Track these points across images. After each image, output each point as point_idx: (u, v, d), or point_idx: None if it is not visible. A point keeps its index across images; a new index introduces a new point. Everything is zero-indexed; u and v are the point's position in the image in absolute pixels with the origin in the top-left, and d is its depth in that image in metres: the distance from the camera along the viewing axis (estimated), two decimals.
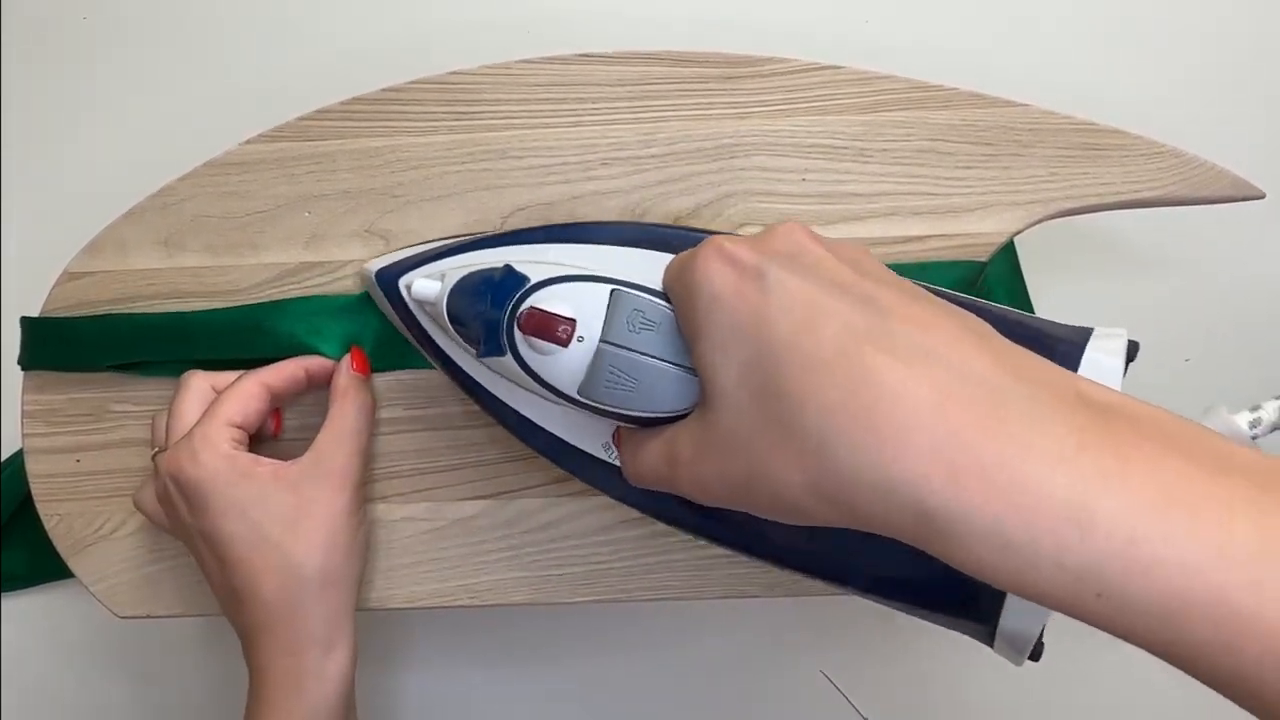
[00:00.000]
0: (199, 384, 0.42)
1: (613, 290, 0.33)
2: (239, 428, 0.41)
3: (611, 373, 0.32)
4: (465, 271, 0.36)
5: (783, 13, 0.53)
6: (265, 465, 0.40)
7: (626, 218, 0.43)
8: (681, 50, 0.43)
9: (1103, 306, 0.53)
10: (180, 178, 0.45)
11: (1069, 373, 0.25)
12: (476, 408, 0.44)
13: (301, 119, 0.44)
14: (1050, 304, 0.52)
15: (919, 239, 0.43)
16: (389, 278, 0.40)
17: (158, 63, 0.54)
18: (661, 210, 0.43)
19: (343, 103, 0.44)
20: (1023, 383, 0.24)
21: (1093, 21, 0.53)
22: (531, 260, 0.36)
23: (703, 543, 0.43)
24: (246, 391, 0.41)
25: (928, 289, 0.30)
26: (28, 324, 0.45)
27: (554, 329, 0.32)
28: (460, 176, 0.44)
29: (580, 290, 0.33)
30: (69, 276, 0.45)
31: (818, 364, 0.25)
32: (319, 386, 0.43)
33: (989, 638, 0.34)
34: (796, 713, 0.56)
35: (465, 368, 0.40)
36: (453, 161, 0.44)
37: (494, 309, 0.34)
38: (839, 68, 0.43)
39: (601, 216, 0.44)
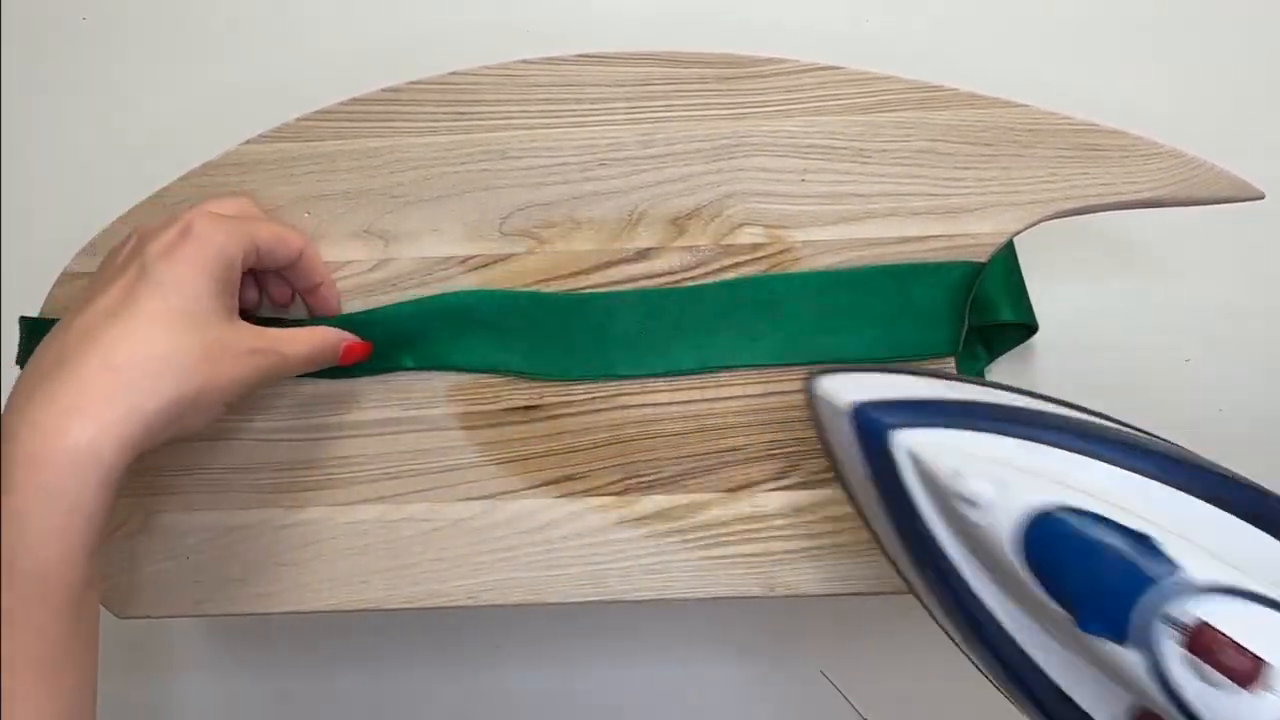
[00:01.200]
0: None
1: None
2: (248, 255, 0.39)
3: None
4: (1051, 499, 0.28)
5: (782, 13, 0.53)
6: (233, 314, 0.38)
7: (625, 218, 0.44)
8: (680, 51, 0.43)
9: (1103, 306, 0.53)
10: (180, 178, 0.45)
11: None
12: (476, 409, 0.44)
13: (301, 119, 0.44)
14: (1050, 304, 0.52)
15: (918, 239, 0.43)
16: (876, 426, 0.31)
17: (158, 63, 0.54)
18: (661, 210, 0.43)
19: (342, 103, 0.44)
20: None
21: (1092, 22, 0.53)
22: (1169, 527, 0.28)
23: (701, 542, 0.43)
24: (284, 237, 0.41)
25: None
26: (26, 324, 0.45)
27: (1234, 665, 0.25)
28: (459, 177, 0.44)
29: (1272, 622, 0.26)
30: (69, 277, 0.45)
31: None
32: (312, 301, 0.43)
33: None
34: (796, 713, 0.56)
35: (967, 577, 0.31)
36: (452, 162, 0.44)
37: (1119, 582, 0.27)
38: (838, 68, 0.43)
39: (601, 216, 0.44)
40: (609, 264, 0.44)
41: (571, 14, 0.53)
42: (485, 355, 0.44)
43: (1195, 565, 0.27)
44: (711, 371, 0.43)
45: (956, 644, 0.34)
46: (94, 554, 0.33)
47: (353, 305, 0.44)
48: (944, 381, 0.33)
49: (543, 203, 0.44)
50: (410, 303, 0.44)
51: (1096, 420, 0.33)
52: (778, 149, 0.43)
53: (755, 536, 0.43)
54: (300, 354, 0.40)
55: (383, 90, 0.44)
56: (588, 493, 0.44)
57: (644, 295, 0.43)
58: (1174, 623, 0.26)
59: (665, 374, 0.43)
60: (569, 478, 0.44)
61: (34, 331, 0.45)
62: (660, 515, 0.44)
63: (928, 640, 0.55)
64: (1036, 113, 0.42)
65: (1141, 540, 0.27)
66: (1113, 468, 0.30)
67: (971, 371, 0.52)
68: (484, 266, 0.44)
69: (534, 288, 0.44)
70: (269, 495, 0.45)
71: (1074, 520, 0.28)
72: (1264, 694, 0.25)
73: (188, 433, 0.37)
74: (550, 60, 0.43)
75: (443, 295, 0.44)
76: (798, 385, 0.43)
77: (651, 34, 0.52)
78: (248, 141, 0.44)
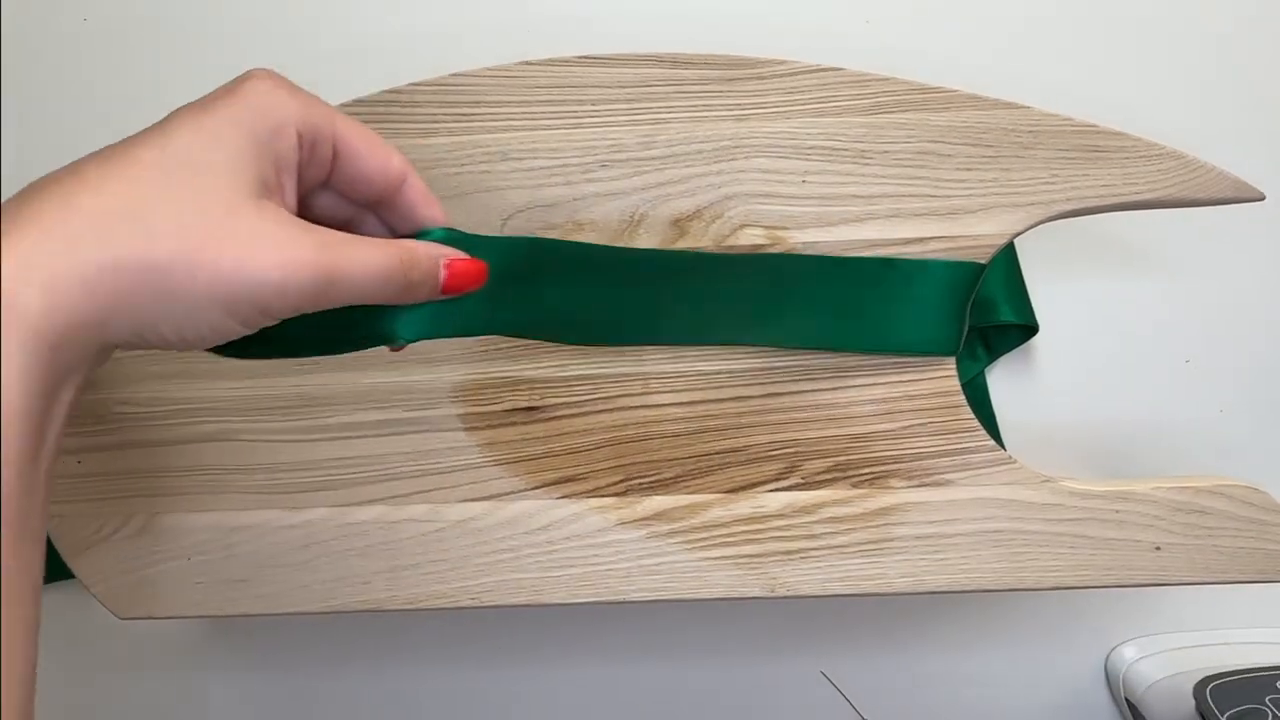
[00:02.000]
0: None
1: None
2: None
3: None
4: None
5: (782, 14, 0.53)
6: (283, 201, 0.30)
7: (626, 220, 0.44)
8: (681, 52, 0.43)
9: (1103, 306, 0.53)
10: None
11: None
12: (477, 410, 0.44)
13: None
14: (1050, 304, 0.52)
15: (919, 240, 0.43)
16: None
17: (158, 64, 0.54)
18: (662, 212, 0.43)
19: (343, 104, 0.44)
20: None
21: (1092, 23, 0.53)
22: None
23: (702, 543, 0.43)
24: (378, 148, 0.31)
25: None
26: None
27: None
28: (460, 178, 0.44)
29: None
30: None
31: None
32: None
33: None
34: (796, 713, 0.56)
35: None
36: (453, 163, 0.44)
37: None
38: (839, 69, 0.43)
39: (602, 218, 0.44)
40: None
41: (572, 14, 0.53)
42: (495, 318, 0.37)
43: None
44: (713, 345, 0.43)
45: None
46: (34, 421, 0.25)
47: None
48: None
49: (544, 204, 0.44)
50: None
51: None
52: (779, 150, 0.43)
53: (755, 537, 0.43)
54: (370, 267, 0.29)
55: (383, 91, 0.44)
56: (589, 494, 0.44)
57: (657, 256, 0.43)
58: None
59: (664, 342, 0.43)
60: (570, 479, 0.44)
61: None
62: (661, 516, 0.44)
63: (928, 640, 0.55)
64: (1037, 114, 0.42)
65: None
66: None
67: (971, 371, 0.52)
68: None
69: None
70: (270, 496, 0.45)
71: None
72: None
73: (166, 334, 0.27)
74: (551, 61, 0.43)
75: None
76: (798, 386, 0.43)
77: (652, 34, 0.52)
78: None
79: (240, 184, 0.27)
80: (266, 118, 0.29)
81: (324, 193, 0.32)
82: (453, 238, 0.34)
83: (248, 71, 0.29)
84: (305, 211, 0.31)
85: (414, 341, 0.34)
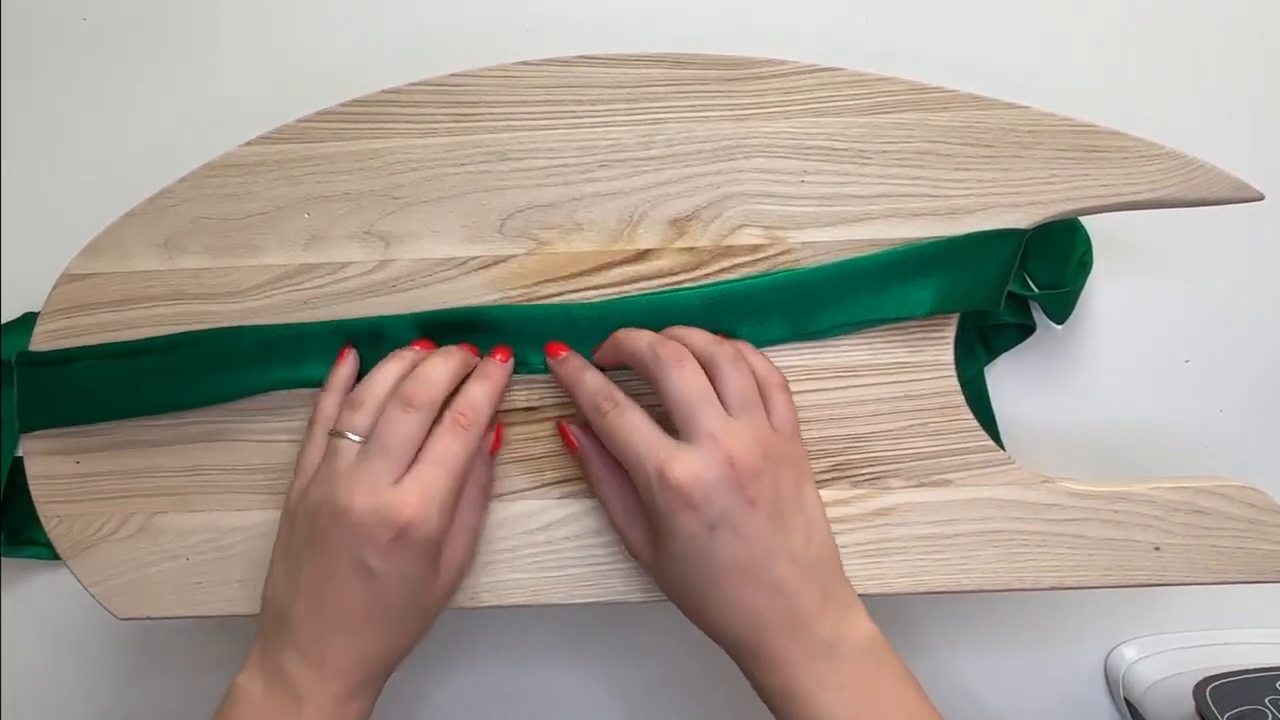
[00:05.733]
0: (451, 371, 0.41)
1: None
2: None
3: None
4: None
5: (782, 14, 0.53)
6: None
7: (625, 220, 0.44)
8: (680, 52, 0.43)
9: (1102, 306, 0.53)
10: (180, 179, 0.45)
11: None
12: None
13: (302, 121, 0.44)
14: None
15: (919, 241, 0.43)
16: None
17: (158, 64, 0.54)
18: (661, 212, 0.43)
19: (343, 104, 0.44)
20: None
21: (1092, 23, 0.53)
22: None
23: None
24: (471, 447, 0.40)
25: None
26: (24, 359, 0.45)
27: None
28: (460, 178, 0.44)
29: None
30: (69, 278, 0.45)
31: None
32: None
33: None
34: None
35: None
36: (452, 163, 0.44)
37: None
38: (838, 69, 0.43)
39: (601, 218, 0.44)
40: (609, 265, 0.44)
41: (571, 14, 0.53)
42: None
43: None
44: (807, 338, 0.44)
45: None
46: None
47: (351, 308, 0.44)
48: None
49: (543, 204, 0.44)
50: (435, 312, 0.44)
51: None
52: (777, 150, 0.43)
53: None
54: (475, 532, 0.43)
55: (383, 91, 0.44)
56: (589, 494, 0.44)
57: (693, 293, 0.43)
58: None
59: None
60: (570, 479, 0.44)
61: (30, 363, 0.45)
62: None
63: (927, 641, 0.55)
64: (1036, 114, 0.42)
65: None
66: None
67: (970, 371, 0.52)
68: (484, 268, 0.44)
69: (533, 288, 0.44)
70: (269, 496, 0.45)
71: None
72: None
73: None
74: (550, 61, 0.43)
75: (469, 308, 0.44)
76: (798, 386, 0.43)
77: (651, 35, 0.52)
78: (248, 143, 0.44)
79: (424, 585, 0.40)
80: (433, 540, 0.39)
81: None
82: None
83: (403, 519, 0.38)
84: None
85: None
